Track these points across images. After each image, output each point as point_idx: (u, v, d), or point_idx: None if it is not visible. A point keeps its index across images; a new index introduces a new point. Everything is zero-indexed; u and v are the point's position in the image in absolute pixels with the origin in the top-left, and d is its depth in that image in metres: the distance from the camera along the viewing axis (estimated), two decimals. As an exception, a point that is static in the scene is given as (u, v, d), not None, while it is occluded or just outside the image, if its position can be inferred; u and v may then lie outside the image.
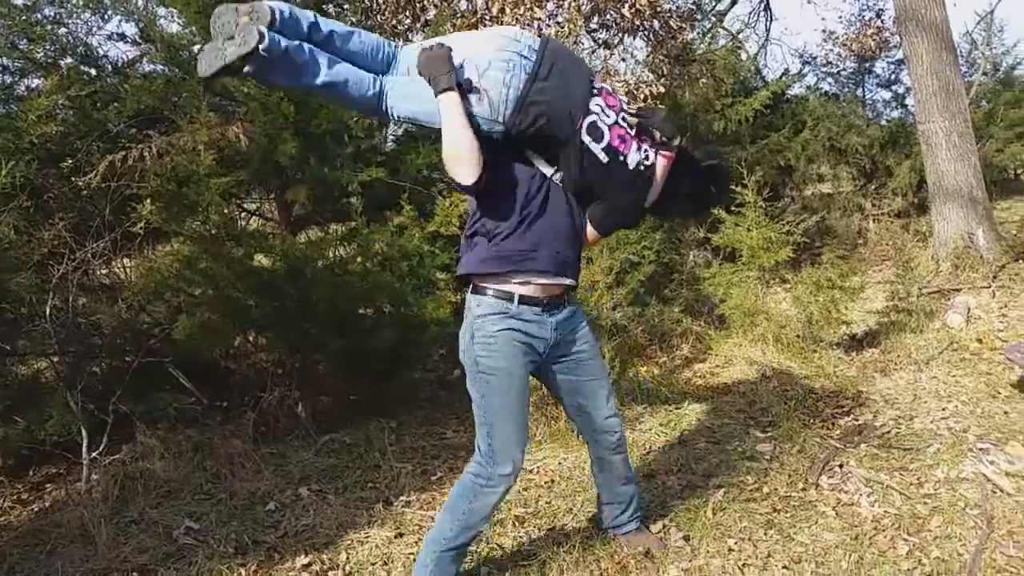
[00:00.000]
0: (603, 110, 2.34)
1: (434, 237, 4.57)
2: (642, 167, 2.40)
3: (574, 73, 2.34)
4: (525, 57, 2.29)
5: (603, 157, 2.34)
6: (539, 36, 2.45)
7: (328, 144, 4.56)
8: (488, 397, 2.42)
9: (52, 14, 4.70)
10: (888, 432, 3.74)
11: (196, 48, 4.71)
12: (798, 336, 4.96)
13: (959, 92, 7.42)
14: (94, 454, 3.94)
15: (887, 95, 11.11)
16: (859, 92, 11.00)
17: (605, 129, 2.33)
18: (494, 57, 2.27)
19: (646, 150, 2.42)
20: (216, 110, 4.54)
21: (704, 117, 8.27)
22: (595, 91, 2.35)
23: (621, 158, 2.36)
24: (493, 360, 2.39)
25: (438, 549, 2.52)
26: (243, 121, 4.48)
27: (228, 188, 4.13)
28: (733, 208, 5.02)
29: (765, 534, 2.87)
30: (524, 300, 2.39)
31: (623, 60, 7.71)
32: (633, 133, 2.41)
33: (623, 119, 2.39)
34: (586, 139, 2.32)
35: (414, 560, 2.85)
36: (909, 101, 10.62)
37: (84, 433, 3.95)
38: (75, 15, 4.82)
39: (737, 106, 8.33)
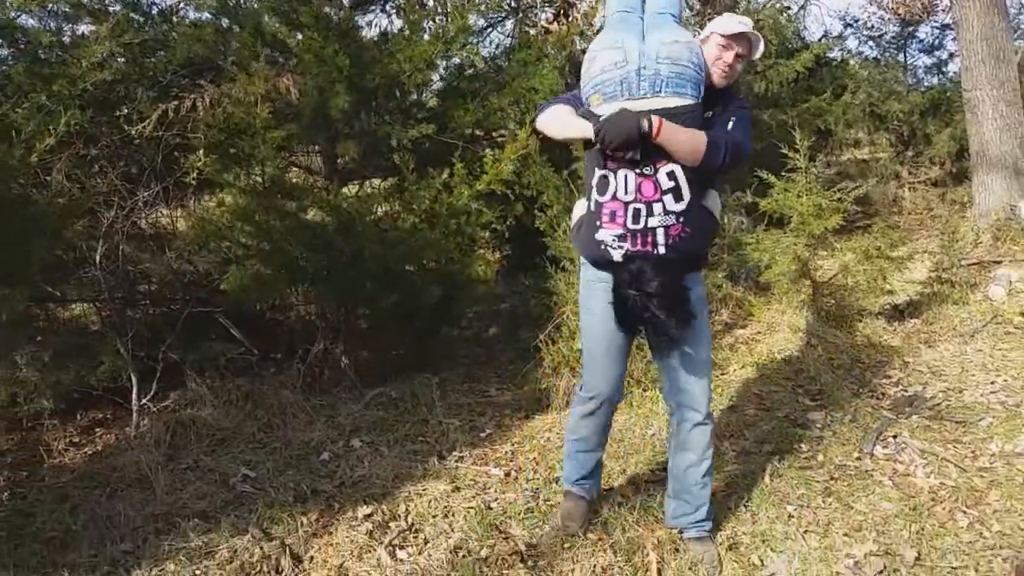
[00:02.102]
0: (625, 183, 2.32)
1: (479, 195, 4.54)
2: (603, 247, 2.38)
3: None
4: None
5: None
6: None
7: (379, 99, 4.52)
8: (582, 331, 2.66)
9: (100, -42, 4.64)
10: (939, 404, 3.73)
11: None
12: (842, 304, 4.93)
13: (1010, 60, 7.25)
14: (144, 400, 4.00)
15: (929, 61, 10.89)
16: (900, 57, 10.78)
17: (609, 194, 2.34)
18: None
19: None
20: (269, 62, 4.50)
21: (743, 78, 8.12)
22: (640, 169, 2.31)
23: (597, 222, 2.38)
24: (584, 300, 2.63)
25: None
26: (293, 73, 4.44)
27: (281, 141, 4.10)
28: (783, 173, 4.95)
29: (823, 502, 2.89)
30: None
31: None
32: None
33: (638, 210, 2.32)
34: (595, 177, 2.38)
35: (475, 514, 2.90)
36: (951, 67, 10.41)
37: (134, 380, 4.01)
38: (122, -41, 4.75)
39: (779, 67, 8.17)
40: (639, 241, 2.32)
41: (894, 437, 3.38)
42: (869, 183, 9.16)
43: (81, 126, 3.89)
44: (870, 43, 11.17)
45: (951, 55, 10.44)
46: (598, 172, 2.35)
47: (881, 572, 2.47)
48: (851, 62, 9.97)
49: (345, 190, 5.00)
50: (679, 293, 2.33)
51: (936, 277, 5.62)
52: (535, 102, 4.84)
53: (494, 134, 5.38)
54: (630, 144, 2.24)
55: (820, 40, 9.64)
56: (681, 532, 2.66)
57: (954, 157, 9.34)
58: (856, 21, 11.41)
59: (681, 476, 2.63)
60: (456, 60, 4.91)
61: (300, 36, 4.39)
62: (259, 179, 4.03)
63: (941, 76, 10.86)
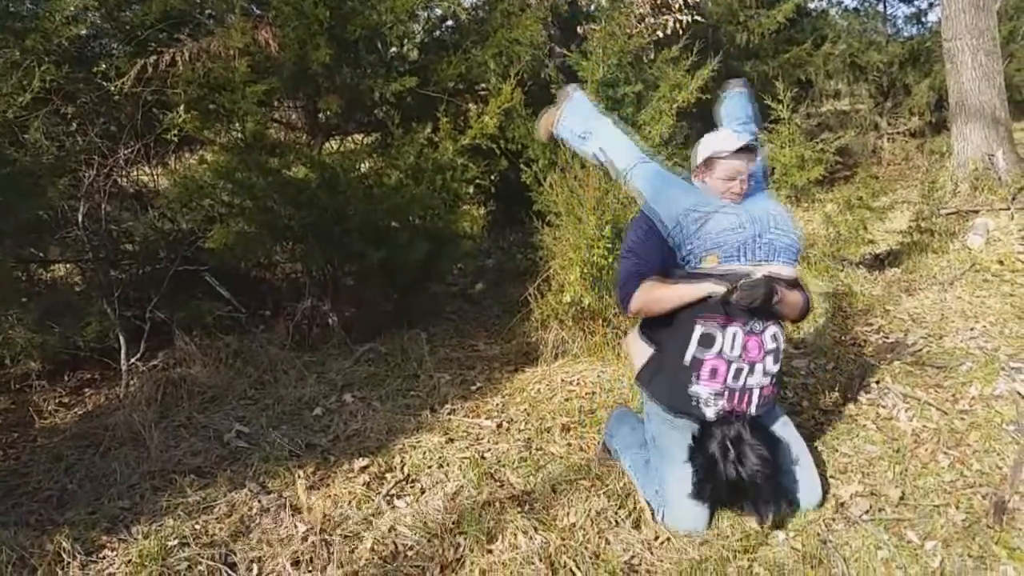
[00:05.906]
0: (733, 340, 2.38)
1: (464, 150, 4.51)
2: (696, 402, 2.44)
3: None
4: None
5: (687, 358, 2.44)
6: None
7: (361, 52, 4.45)
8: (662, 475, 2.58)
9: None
10: (920, 350, 3.81)
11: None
12: (824, 254, 4.99)
13: (989, 8, 7.23)
14: (132, 360, 3.99)
15: (908, 10, 10.85)
16: (880, 7, 10.73)
17: (714, 351, 2.38)
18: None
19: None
20: (245, 14, 4.41)
21: (727, 28, 8.09)
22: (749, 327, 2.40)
23: (694, 375, 2.42)
24: (661, 442, 2.60)
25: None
26: (272, 26, 4.36)
27: (262, 96, 4.04)
28: (766, 124, 4.97)
29: (810, 445, 2.94)
30: None
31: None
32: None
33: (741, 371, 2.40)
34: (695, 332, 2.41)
35: (469, 463, 2.95)
36: (931, 17, 10.38)
37: (122, 340, 3.99)
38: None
39: (760, 18, 8.14)
40: (736, 399, 2.40)
41: (877, 382, 3.46)
42: (849, 134, 9.20)
43: (57, 83, 3.81)
44: (850, -8, 11.13)
45: (931, 4, 10.41)
46: (700, 328, 2.39)
47: (867, 511, 2.54)
48: (831, 12, 9.94)
49: (327, 146, 4.95)
50: (771, 469, 2.33)
51: (916, 226, 5.68)
52: (518, 54, 4.80)
53: (477, 87, 5.33)
54: (763, 306, 2.34)
55: (801, -11, 9.59)
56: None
57: (933, 107, 9.37)
58: (836, -30, 11.32)
59: None
60: (438, 11, 4.84)
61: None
62: (240, 135, 3.98)
63: (920, 26, 10.84)
